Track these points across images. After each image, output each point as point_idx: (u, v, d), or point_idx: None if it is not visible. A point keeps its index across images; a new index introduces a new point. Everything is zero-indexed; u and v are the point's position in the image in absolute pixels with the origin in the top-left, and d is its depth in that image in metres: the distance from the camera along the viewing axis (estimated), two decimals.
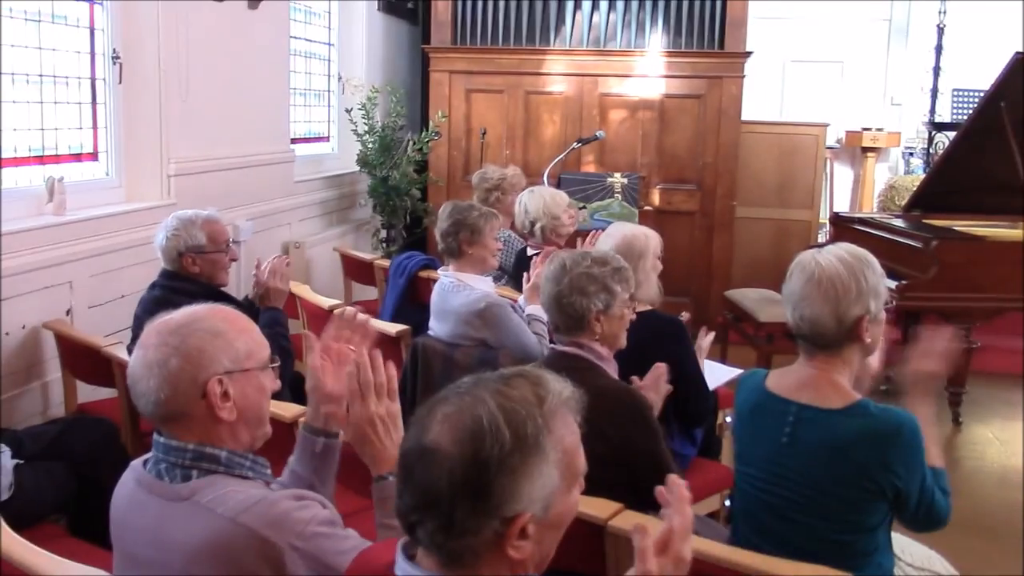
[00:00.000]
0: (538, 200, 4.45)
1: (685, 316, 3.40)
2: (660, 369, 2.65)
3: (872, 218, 6.43)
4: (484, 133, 6.77)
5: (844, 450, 2.13)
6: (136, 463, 1.75)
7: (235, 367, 1.68)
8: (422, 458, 1.25)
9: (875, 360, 2.36)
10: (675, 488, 1.39)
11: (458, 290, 3.55)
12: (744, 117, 7.00)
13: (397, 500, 1.29)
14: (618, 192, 5.99)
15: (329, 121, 6.98)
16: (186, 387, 1.65)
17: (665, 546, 1.34)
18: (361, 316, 1.93)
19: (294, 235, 5.78)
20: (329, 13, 6.86)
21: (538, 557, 1.31)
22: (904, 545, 2.39)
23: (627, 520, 1.94)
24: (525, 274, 3.78)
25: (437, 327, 3.60)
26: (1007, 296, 5.27)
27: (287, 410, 2.52)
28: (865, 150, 8.85)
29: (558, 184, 5.64)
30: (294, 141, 6.15)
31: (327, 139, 6.98)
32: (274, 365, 1.77)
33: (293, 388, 3.15)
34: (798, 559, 1.89)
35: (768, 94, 8.73)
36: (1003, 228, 5.78)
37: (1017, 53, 5.48)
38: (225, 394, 1.67)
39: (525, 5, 6.84)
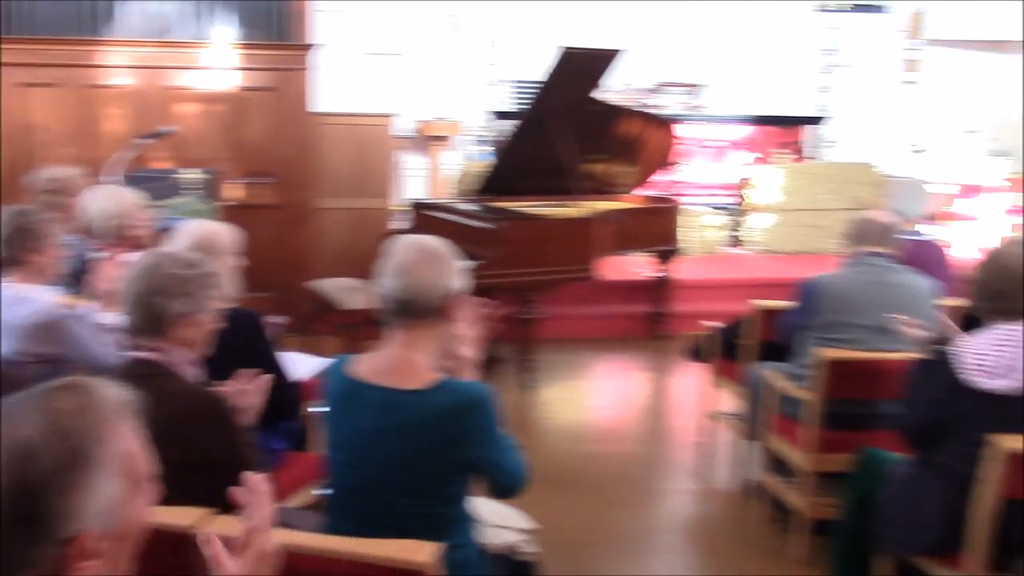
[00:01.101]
0: (107, 201, 4.18)
1: (277, 319, 3.38)
2: (253, 376, 2.62)
3: (448, 204, 6.79)
4: (40, 131, 6.23)
5: (429, 427, 2.25)
6: None
7: None
8: None
9: (470, 344, 2.49)
10: (252, 485, 1.40)
11: (19, 303, 3.24)
12: (330, 109, 7.10)
13: None
14: (194, 188, 5.80)
15: None
16: None
17: (246, 545, 1.34)
18: None
19: None
20: None
21: (113, 573, 1.26)
22: (485, 508, 2.57)
23: (214, 526, 1.90)
24: (93, 280, 3.55)
25: None
26: (566, 268, 5.83)
27: None
28: (433, 139, 9.28)
29: (127, 183, 5.34)
30: None
31: None
32: None
33: None
34: (392, 538, 1.97)
35: (352, 86, 8.85)
36: (559, 207, 6.37)
37: (563, 48, 6.04)
38: None
39: None
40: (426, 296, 2.30)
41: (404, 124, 8.49)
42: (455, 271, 2.36)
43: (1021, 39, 9.77)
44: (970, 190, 9.23)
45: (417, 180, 9.28)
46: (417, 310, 2.31)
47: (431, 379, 2.29)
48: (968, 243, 8.10)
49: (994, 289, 2.85)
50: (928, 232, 5.06)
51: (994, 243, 3.09)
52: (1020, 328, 2.79)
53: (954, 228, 8.67)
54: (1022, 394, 2.74)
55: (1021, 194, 9.11)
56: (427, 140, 9.34)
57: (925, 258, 4.43)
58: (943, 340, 3.03)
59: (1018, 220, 8.75)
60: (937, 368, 2.87)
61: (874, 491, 3.11)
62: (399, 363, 2.32)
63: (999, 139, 9.55)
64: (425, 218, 6.48)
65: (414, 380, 2.29)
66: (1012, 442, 2.64)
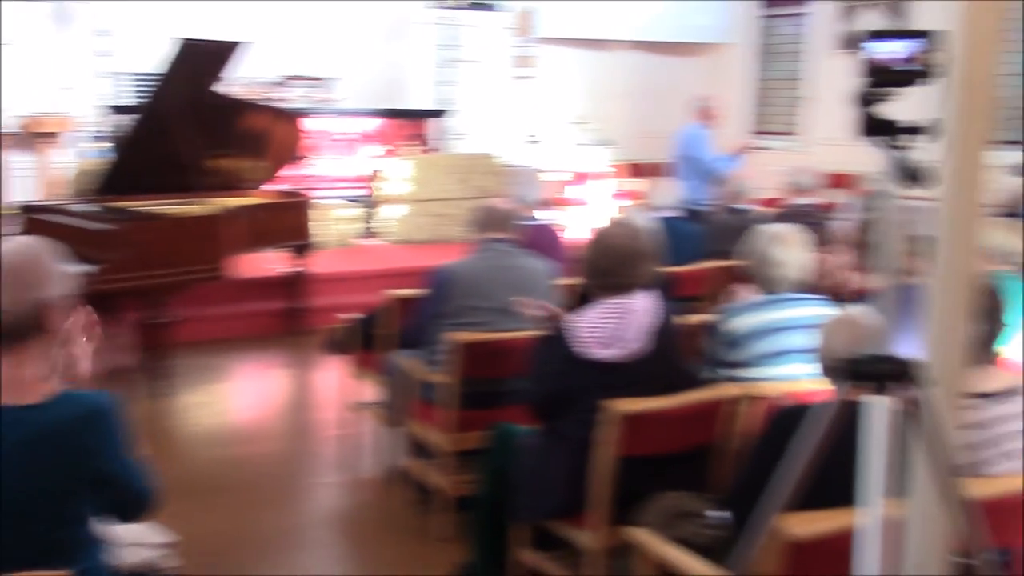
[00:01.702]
0: None
1: None
2: None
3: (62, 206, 6.29)
4: None
5: (46, 443, 2.08)
6: None
7: None
8: None
9: (86, 355, 2.32)
10: None
11: None
12: None
13: None
14: None
15: None
16: None
17: None
18: None
19: None
20: None
21: None
22: (116, 527, 2.42)
23: None
24: None
25: None
26: (194, 268, 5.63)
27: None
28: (41, 135, 8.57)
29: None
30: None
31: None
32: None
33: None
34: (16, 569, 1.81)
35: None
36: (185, 205, 6.13)
37: (181, 39, 5.80)
38: None
39: None
40: (20, 315, 2.10)
41: (5, 120, 7.75)
42: (55, 277, 2.17)
43: (619, 39, 10.77)
44: (580, 177, 10.02)
45: (25, 181, 8.51)
46: (15, 330, 2.12)
47: (46, 392, 2.12)
48: (580, 226, 8.79)
49: (601, 267, 3.12)
50: (544, 217, 5.43)
51: (602, 225, 3.38)
52: (625, 301, 3.07)
53: (567, 212, 9.38)
54: (630, 360, 3.03)
55: (624, 179, 10.05)
56: (34, 137, 8.58)
57: (542, 241, 4.76)
58: (558, 317, 3.27)
59: (622, 203, 9.63)
60: (555, 343, 3.10)
61: (507, 464, 3.30)
62: (7, 380, 2.12)
63: (603, 130, 10.45)
64: (36, 222, 5.95)
65: (26, 395, 2.10)
66: (624, 405, 2.91)
